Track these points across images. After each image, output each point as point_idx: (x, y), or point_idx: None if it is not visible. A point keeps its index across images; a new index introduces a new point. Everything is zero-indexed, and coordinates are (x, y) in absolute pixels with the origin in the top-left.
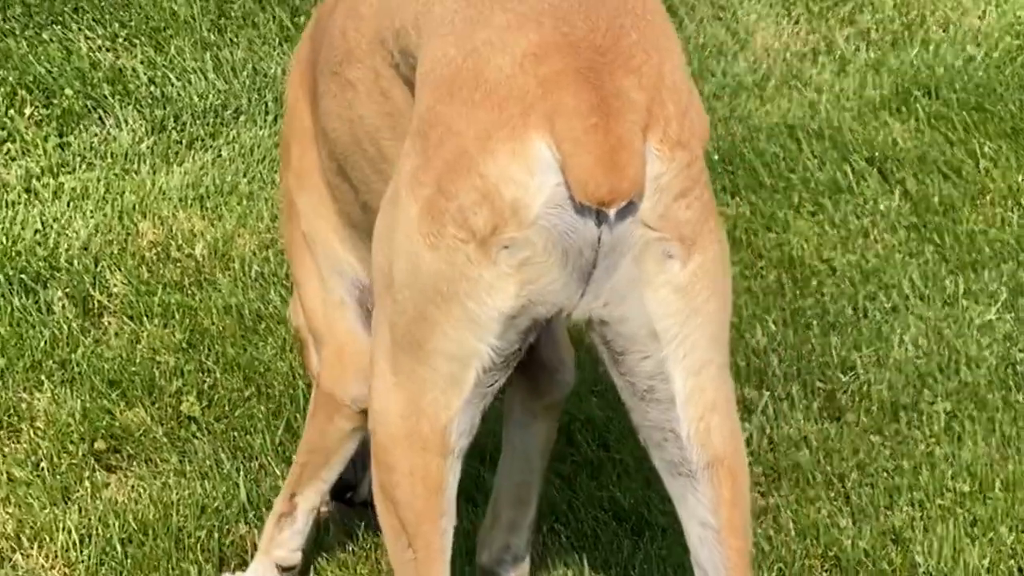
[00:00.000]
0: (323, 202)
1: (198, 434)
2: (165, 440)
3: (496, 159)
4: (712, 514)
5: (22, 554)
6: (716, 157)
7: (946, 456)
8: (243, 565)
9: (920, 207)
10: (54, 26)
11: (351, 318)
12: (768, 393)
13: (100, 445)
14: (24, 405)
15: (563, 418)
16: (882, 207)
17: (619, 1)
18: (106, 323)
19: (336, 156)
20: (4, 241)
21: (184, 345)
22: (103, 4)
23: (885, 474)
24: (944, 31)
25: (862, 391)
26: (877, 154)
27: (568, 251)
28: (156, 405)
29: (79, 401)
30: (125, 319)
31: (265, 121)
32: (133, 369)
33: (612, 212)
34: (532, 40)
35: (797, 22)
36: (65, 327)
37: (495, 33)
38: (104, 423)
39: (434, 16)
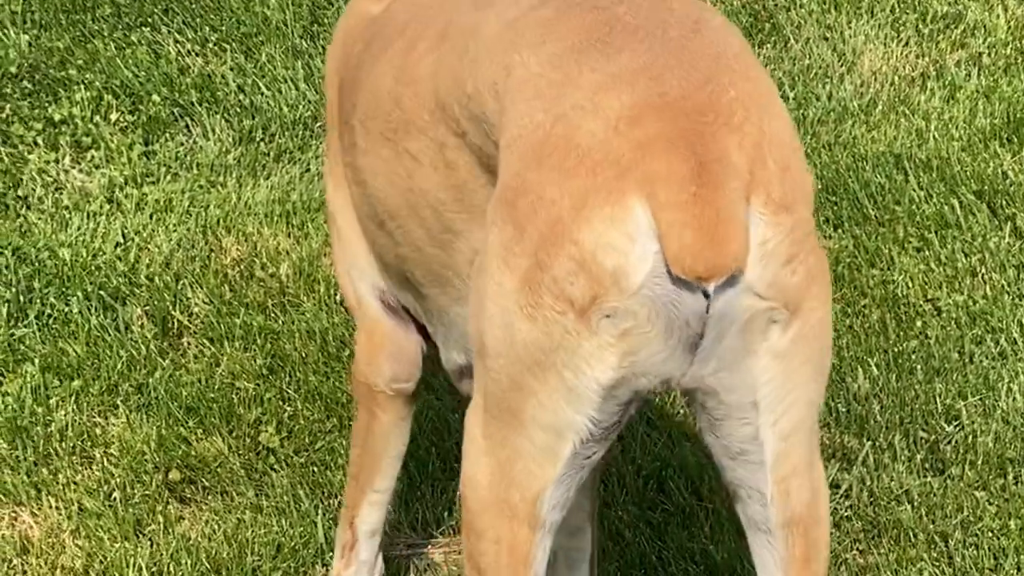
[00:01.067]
0: (348, 205)
1: (276, 467)
2: (242, 472)
3: (592, 225)
4: (782, 571)
5: None
6: (820, 186)
7: None
8: None
9: None
10: (143, 28)
11: (378, 306)
12: (869, 443)
13: (175, 475)
14: (98, 430)
15: (654, 464)
16: (991, 244)
17: (713, 57)
18: (185, 344)
19: (378, 212)
20: (84, 254)
21: (265, 371)
22: (194, 7)
23: (991, 534)
24: None
25: (967, 442)
26: (987, 187)
27: (673, 322)
28: (234, 434)
29: (155, 428)
30: (205, 341)
31: None
32: (211, 395)
33: (711, 288)
34: (625, 102)
35: (906, 44)
36: (143, 348)
37: (585, 96)
38: (179, 452)
39: (516, 80)
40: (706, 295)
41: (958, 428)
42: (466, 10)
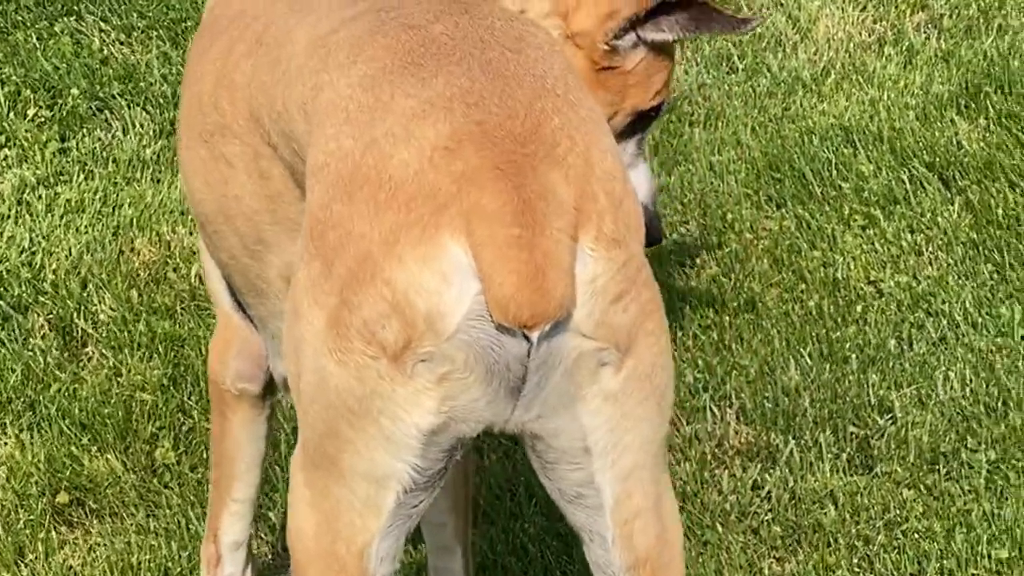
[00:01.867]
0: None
1: (170, 484)
2: (133, 493)
3: (405, 265)
4: None
5: None
6: (764, 163)
7: (985, 516)
8: None
9: (982, 220)
10: (67, 18)
11: (230, 300)
12: (795, 440)
13: (63, 498)
14: None
15: None
16: (940, 220)
17: (536, 82)
18: (88, 354)
19: (197, 214)
20: None
21: (166, 381)
22: None
23: (916, 535)
24: None
25: (899, 437)
26: (939, 159)
27: (493, 366)
28: (129, 451)
29: (45, 447)
30: (107, 351)
31: None
32: (107, 410)
33: (535, 335)
34: (441, 131)
35: (864, 8)
36: (41, 360)
37: (398, 122)
38: (69, 472)
39: (324, 101)
40: (528, 339)
41: (890, 421)
42: (282, 13)
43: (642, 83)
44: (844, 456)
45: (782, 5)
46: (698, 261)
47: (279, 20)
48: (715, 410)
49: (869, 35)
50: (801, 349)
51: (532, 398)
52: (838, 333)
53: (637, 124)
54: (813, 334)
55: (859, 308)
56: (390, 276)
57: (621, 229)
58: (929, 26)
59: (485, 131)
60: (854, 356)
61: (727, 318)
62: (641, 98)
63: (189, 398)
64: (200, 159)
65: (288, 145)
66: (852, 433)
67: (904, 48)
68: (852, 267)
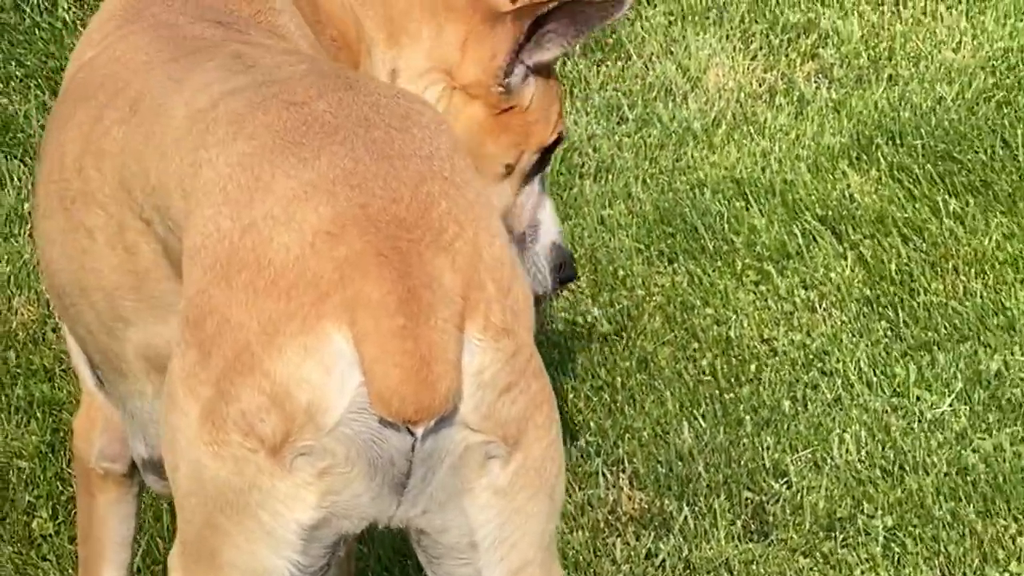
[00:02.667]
0: None
1: (49, 556)
2: (10, 565)
3: (284, 355)
4: None
5: None
6: (655, 217)
7: None
8: None
9: (875, 275)
10: None
11: (92, 376)
12: (688, 507)
13: None
14: None
15: None
16: (833, 276)
17: (423, 164)
18: None
19: (53, 284)
20: None
21: (44, 448)
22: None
23: None
24: (915, 66)
25: (795, 502)
26: (831, 213)
27: (375, 461)
28: (6, 521)
29: None
30: None
31: None
32: None
33: (419, 430)
34: (323, 214)
35: (754, 57)
36: None
37: (278, 204)
38: None
39: (202, 180)
40: (412, 434)
41: (786, 486)
42: (159, 80)
43: (542, 117)
44: (739, 523)
45: (672, 53)
46: (589, 319)
47: (155, 88)
48: (608, 475)
49: (760, 85)
50: (695, 411)
51: (418, 493)
52: (732, 394)
53: (542, 161)
54: (707, 395)
55: (753, 368)
56: (269, 368)
57: (509, 318)
58: (820, 76)
59: (369, 215)
60: (748, 418)
61: (619, 378)
62: (544, 133)
63: (68, 465)
64: (58, 228)
65: (163, 221)
66: (747, 499)
67: (795, 98)
68: (745, 324)
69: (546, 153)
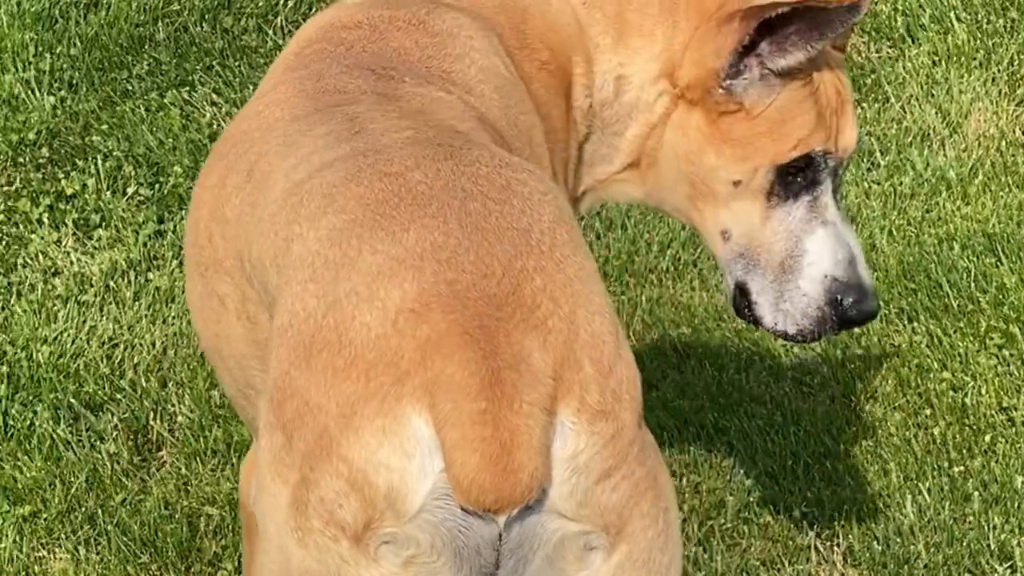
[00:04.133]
0: None
1: None
2: None
3: (362, 439)
4: None
5: None
6: (897, 272)
7: None
8: None
9: None
10: (179, 88)
11: None
12: None
13: None
14: (36, 567)
15: None
16: None
17: (519, 236)
18: (162, 459)
19: (200, 347)
20: (65, 355)
21: (236, 495)
22: (238, 64)
23: None
24: None
25: None
26: None
27: (461, 551)
28: (191, 572)
29: (98, 565)
30: (180, 458)
31: None
32: (171, 526)
33: (500, 521)
34: (408, 291)
35: (1020, 103)
36: (109, 466)
37: (362, 281)
38: None
39: (293, 256)
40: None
41: (1010, 570)
42: (275, 144)
43: (776, 129)
44: None
45: (932, 96)
46: (818, 379)
47: (270, 153)
48: (820, 549)
49: None
50: (920, 483)
51: None
52: (962, 467)
53: (792, 184)
54: (935, 466)
55: (987, 438)
56: (347, 452)
57: (609, 399)
58: None
59: (456, 292)
60: (976, 494)
61: (843, 445)
62: (779, 149)
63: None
64: (197, 292)
65: (266, 294)
66: None
67: None
68: (984, 391)
69: (789, 174)
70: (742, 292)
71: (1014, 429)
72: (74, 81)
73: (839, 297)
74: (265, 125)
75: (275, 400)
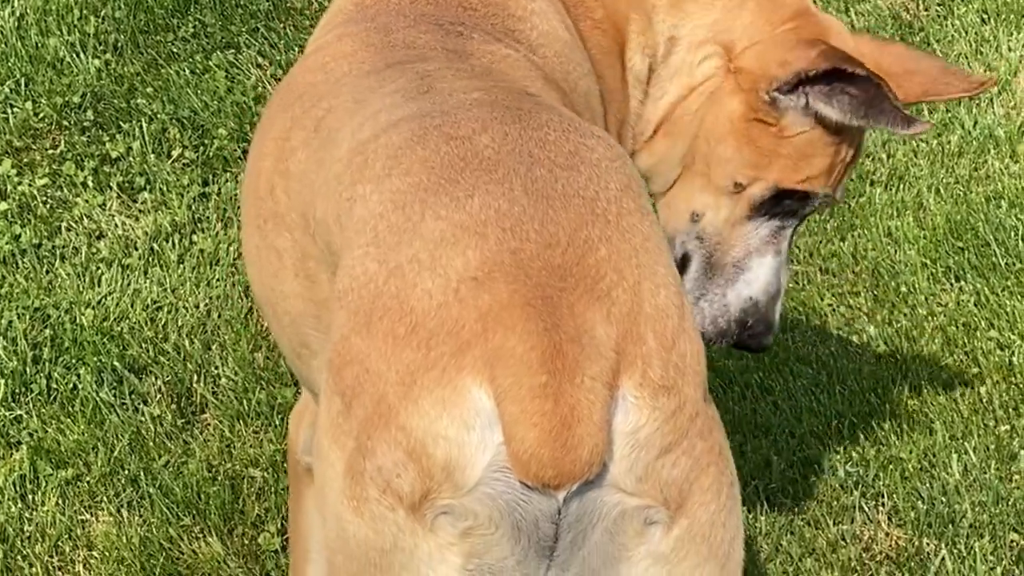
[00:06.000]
0: None
1: (272, 573)
2: None
3: (421, 409)
4: None
5: None
6: (945, 230)
7: None
8: None
9: None
10: (224, 51)
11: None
12: (947, 548)
13: None
14: (79, 530)
15: None
16: None
17: (586, 205)
18: (205, 421)
19: (255, 301)
20: (109, 316)
21: (279, 457)
22: (283, 26)
23: None
24: None
25: None
26: None
27: (520, 524)
28: (234, 534)
29: (143, 527)
30: (224, 420)
31: None
32: (214, 488)
33: (560, 496)
34: (471, 259)
35: None
36: (153, 428)
37: (425, 247)
38: (162, 559)
39: (355, 216)
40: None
41: None
42: (344, 99)
43: (795, 157)
44: (1000, 568)
45: (981, 54)
46: (864, 338)
47: (339, 108)
48: (865, 509)
49: None
50: (966, 443)
51: (568, 558)
52: (1008, 426)
53: (778, 206)
54: (981, 426)
55: None
56: (405, 421)
57: (672, 373)
58: None
59: (519, 261)
60: (1023, 452)
61: (889, 405)
62: (788, 173)
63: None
64: (255, 246)
65: (330, 254)
66: (1012, 541)
67: None
68: None
69: (784, 200)
70: (683, 262)
71: None
72: (119, 44)
73: (749, 321)
74: (332, 79)
75: (334, 365)
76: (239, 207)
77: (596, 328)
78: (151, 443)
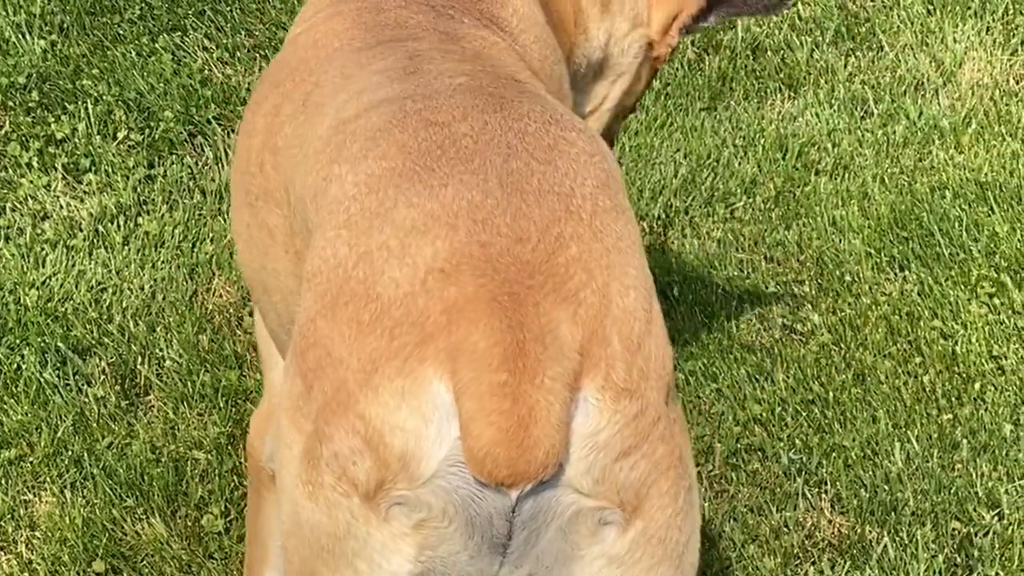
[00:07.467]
0: None
1: (216, 555)
2: (175, 563)
3: (380, 397)
4: None
5: None
6: (889, 220)
7: None
8: None
9: None
10: (171, 33)
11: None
12: (889, 536)
13: (98, 566)
14: (22, 510)
15: None
16: None
17: (560, 201)
18: (150, 403)
19: (244, 278)
20: (53, 299)
21: (223, 440)
22: (230, 9)
23: None
24: None
25: (1005, 536)
26: None
27: (474, 519)
28: (177, 515)
29: (85, 508)
30: (168, 402)
31: None
32: (158, 470)
33: (513, 495)
34: (440, 250)
35: (1015, 52)
36: (96, 409)
37: (395, 235)
38: (106, 540)
39: (330, 196)
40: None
41: (997, 518)
42: (333, 75)
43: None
44: (943, 556)
45: (927, 45)
46: (808, 326)
47: (326, 84)
48: (808, 496)
49: (1017, 82)
50: (909, 431)
51: (521, 556)
52: (951, 415)
53: None
54: (924, 414)
55: (977, 387)
56: (364, 409)
57: (635, 377)
58: None
59: (488, 255)
60: (965, 442)
61: (832, 393)
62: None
63: (246, 461)
64: (244, 223)
65: (306, 234)
66: (954, 529)
67: None
68: (974, 340)
69: None
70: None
71: (1003, 377)
72: (65, 25)
73: None
74: (324, 55)
75: (298, 347)
76: (230, 187)
77: (561, 328)
78: (95, 424)
